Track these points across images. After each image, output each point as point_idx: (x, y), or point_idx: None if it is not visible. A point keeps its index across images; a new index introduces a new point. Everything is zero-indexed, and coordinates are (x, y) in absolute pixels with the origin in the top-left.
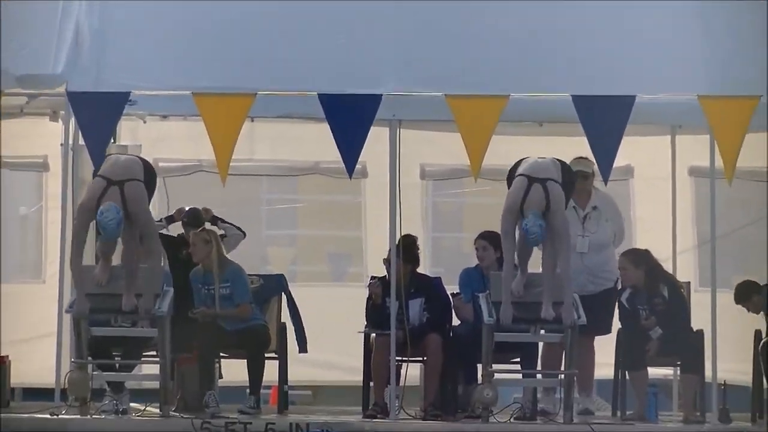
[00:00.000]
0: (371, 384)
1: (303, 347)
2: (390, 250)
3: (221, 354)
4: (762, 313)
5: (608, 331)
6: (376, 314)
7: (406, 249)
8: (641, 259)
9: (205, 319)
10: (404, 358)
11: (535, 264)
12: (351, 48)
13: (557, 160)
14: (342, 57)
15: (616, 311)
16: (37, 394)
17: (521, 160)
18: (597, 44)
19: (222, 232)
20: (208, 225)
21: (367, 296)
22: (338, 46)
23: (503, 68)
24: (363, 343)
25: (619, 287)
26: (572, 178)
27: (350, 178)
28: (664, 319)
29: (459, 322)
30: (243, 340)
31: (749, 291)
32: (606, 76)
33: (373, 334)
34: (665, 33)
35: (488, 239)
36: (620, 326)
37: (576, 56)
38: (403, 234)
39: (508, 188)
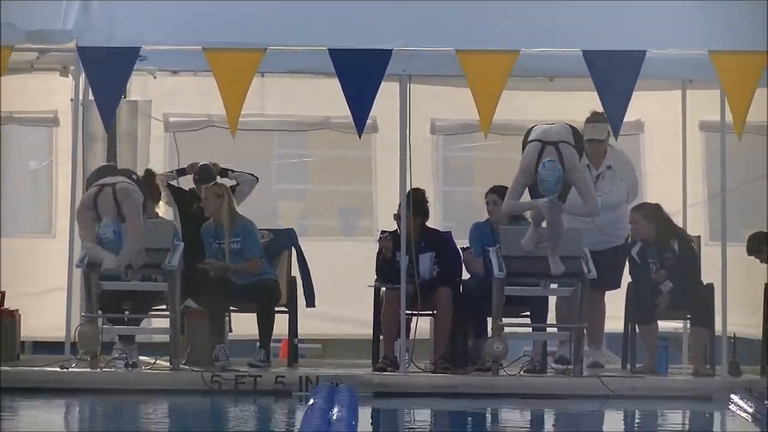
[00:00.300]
0: (381, 337)
1: (311, 302)
2: (400, 204)
3: (231, 308)
4: None
5: (617, 286)
6: (386, 268)
7: (416, 202)
8: (652, 213)
9: (216, 272)
10: (414, 312)
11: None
12: (362, 3)
13: (568, 125)
14: (352, 12)
15: (626, 266)
16: (47, 348)
17: (532, 128)
18: None
19: (233, 183)
20: (218, 179)
21: (377, 250)
22: (349, 1)
23: (514, 23)
24: (373, 297)
25: (630, 243)
26: (583, 145)
27: (360, 134)
28: (674, 273)
29: (469, 276)
30: (252, 294)
31: (761, 242)
32: (616, 31)
33: (384, 288)
34: None
35: (499, 193)
36: (630, 280)
37: (586, 11)
38: (411, 188)
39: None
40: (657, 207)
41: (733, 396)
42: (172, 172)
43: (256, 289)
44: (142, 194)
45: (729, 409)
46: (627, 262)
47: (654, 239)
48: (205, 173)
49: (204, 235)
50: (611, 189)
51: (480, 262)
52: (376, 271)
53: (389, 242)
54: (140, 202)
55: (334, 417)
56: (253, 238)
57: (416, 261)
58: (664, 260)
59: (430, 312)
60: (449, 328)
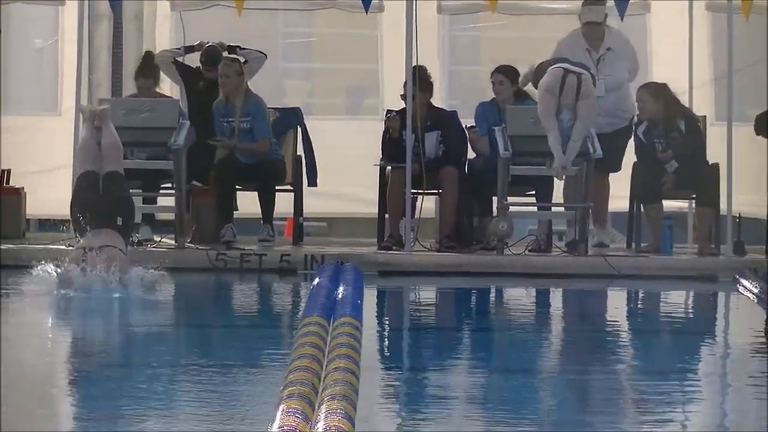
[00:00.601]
0: (386, 216)
1: (313, 181)
2: (406, 82)
3: (237, 187)
4: None
5: (618, 168)
6: (392, 147)
7: (421, 78)
8: (660, 91)
9: (224, 150)
10: (420, 191)
11: None
12: None
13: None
14: None
15: (631, 145)
16: (53, 227)
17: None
18: None
19: (242, 59)
20: (225, 54)
21: (383, 129)
22: None
23: None
24: (379, 176)
25: (635, 123)
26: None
27: (366, 12)
28: (680, 153)
29: (474, 155)
30: (259, 174)
31: None
32: None
33: (389, 167)
34: None
35: (505, 73)
36: (635, 160)
37: None
38: (415, 65)
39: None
40: (664, 86)
41: (738, 276)
42: (179, 49)
43: (263, 169)
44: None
45: (734, 289)
46: (633, 143)
47: (661, 118)
48: (210, 55)
49: (215, 113)
50: (612, 71)
51: (485, 141)
52: (382, 150)
53: (396, 121)
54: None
55: (340, 296)
56: (263, 117)
57: (422, 140)
58: (670, 139)
59: (436, 191)
60: (454, 207)
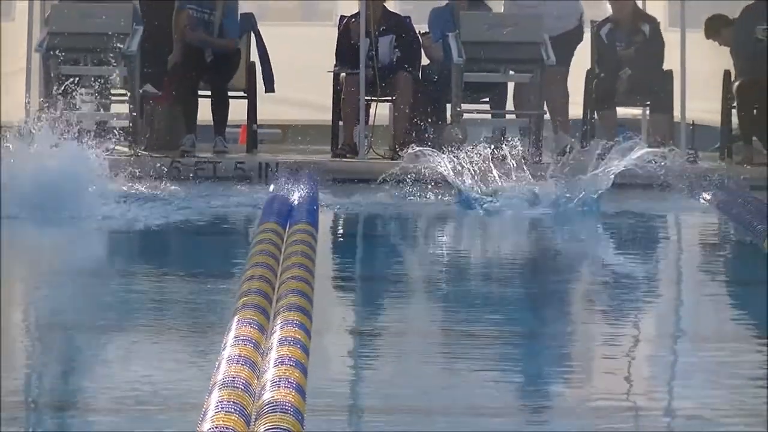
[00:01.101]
0: (341, 123)
1: (270, 87)
2: None
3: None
4: (731, 50)
5: (566, 68)
6: (346, 53)
7: None
8: None
9: (178, 52)
10: (373, 98)
11: None
12: None
13: None
14: None
15: (583, 50)
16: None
17: None
18: None
19: None
20: None
21: (337, 34)
22: None
23: None
24: (332, 83)
25: (598, 24)
26: None
27: None
28: (639, 58)
29: (428, 61)
30: (217, 74)
31: (719, 24)
32: None
33: (343, 74)
34: None
35: None
36: (589, 67)
37: None
38: None
39: None
40: None
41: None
42: None
43: (222, 70)
44: None
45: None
46: (588, 48)
47: (628, 21)
48: None
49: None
50: None
51: (439, 47)
52: (336, 55)
53: (357, 25)
54: None
55: (295, 203)
56: (235, 15)
57: (375, 44)
58: (633, 43)
59: (390, 98)
60: (409, 114)
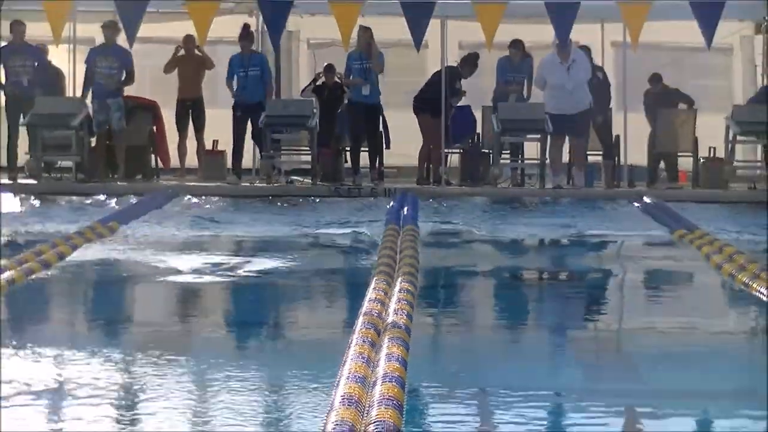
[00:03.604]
0: (431, 166)
1: (388, 145)
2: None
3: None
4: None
5: (586, 138)
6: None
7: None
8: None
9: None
10: (447, 150)
11: None
12: None
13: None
14: None
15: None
16: None
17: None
18: None
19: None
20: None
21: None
22: None
23: None
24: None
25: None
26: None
27: None
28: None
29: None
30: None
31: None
32: None
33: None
34: None
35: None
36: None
37: None
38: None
39: None
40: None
41: (631, 200)
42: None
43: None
44: None
45: (630, 205)
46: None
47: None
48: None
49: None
50: (578, 73)
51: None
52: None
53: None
54: None
55: (405, 212)
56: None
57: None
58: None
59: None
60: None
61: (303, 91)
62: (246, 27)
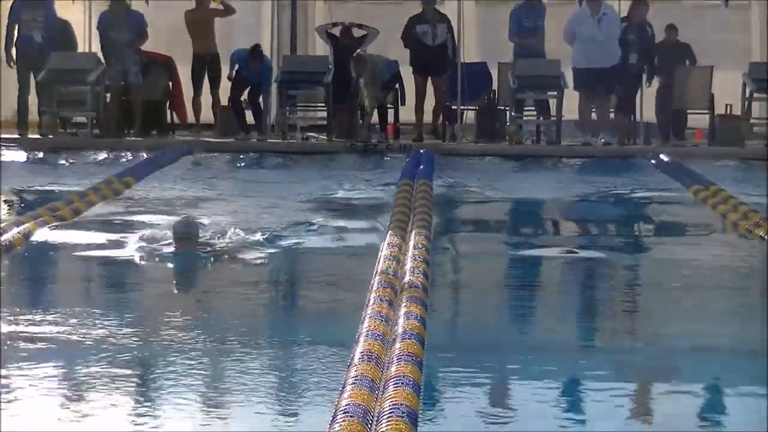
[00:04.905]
0: (447, 124)
1: (403, 102)
2: None
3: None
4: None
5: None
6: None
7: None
8: None
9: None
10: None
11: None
12: None
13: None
14: None
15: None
16: None
17: None
18: None
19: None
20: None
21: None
22: None
23: None
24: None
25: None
26: None
27: None
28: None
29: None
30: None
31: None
32: None
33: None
34: None
35: None
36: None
37: None
38: None
39: None
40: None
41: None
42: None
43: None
44: None
45: (647, 162)
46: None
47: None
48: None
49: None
50: (609, 26)
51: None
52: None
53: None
54: None
55: (422, 166)
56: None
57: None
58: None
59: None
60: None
61: (318, 27)
62: (256, 47)
